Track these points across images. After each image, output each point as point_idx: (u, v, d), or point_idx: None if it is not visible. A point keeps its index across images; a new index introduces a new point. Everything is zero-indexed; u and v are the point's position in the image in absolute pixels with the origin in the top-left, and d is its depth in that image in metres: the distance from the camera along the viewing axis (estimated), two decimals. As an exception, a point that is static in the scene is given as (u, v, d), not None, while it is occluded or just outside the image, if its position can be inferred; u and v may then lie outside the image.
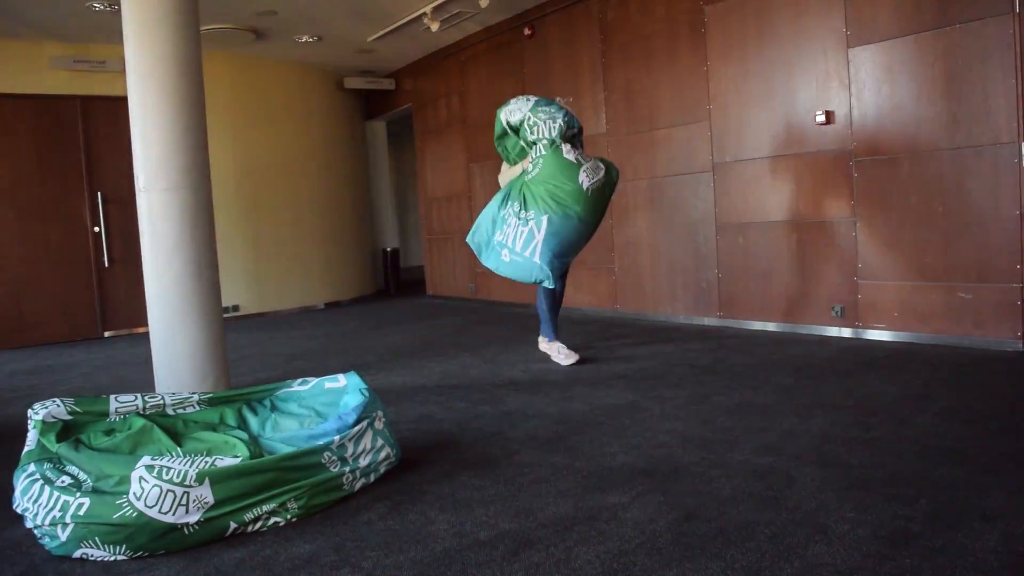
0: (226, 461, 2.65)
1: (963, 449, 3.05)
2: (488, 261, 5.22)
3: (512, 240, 5.00)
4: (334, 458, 2.90)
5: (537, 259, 4.89)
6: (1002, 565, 2.07)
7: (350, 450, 2.97)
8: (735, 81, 6.33)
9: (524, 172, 5.16)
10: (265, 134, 9.83)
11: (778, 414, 3.74)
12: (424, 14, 8.00)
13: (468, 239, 5.39)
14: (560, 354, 5.35)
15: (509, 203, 5.13)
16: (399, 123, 12.12)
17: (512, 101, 5.31)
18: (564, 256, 5.02)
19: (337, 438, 2.94)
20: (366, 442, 3.05)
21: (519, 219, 5.00)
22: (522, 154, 5.33)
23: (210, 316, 4.66)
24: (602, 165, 5.14)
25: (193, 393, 3.48)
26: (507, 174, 5.42)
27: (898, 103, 5.33)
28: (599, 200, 5.09)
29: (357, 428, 3.03)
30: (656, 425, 3.67)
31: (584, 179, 4.97)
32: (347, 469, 2.91)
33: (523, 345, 6.15)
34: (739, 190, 6.37)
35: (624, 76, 7.32)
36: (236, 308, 9.43)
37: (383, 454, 3.12)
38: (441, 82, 10.08)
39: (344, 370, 3.85)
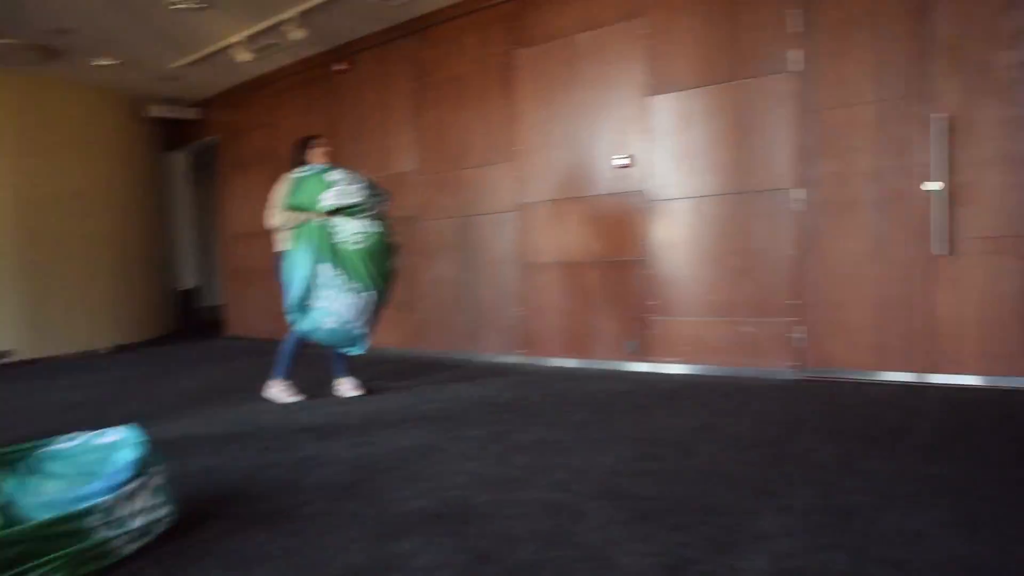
0: (-35, 532, 2.33)
1: (740, 474, 3.18)
2: (304, 325, 5.14)
3: (342, 309, 5.04)
4: (102, 522, 2.61)
5: (362, 327, 5.14)
6: (769, 587, 2.13)
7: (121, 512, 2.69)
8: (542, 124, 6.49)
9: (320, 229, 5.01)
10: (51, 162, 9.05)
11: (572, 450, 3.76)
12: (235, 43, 7.70)
13: (286, 310, 5.21)
14: (282, 392, 5.44)
15: (322, 265, 5.00)
16: (204, 155, 11.57)
17: (347, 172, 5.11)
18: (374, 327, 5.29)
19: (107, 499, 2.66)
20: (141, 501, 2.77)
21: (348, 288, 5.03)
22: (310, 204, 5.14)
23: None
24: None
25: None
26: (287, 216, 5.13)
27: (692, 148, 5.63)
28: (394, 278, 5.39)
29: (131, 487, 2.75)
30: (452, 466, 3.59)
31: (396, 260, 5.32)
32: (118, 532, 2.64)
33: (322, 387, 5.94)
34: (542, 230, 6.50)
35: (436, 115, 7.34)
36: (6, 354, 8.56)
37: (161, 513, 2.84)
38: (251, 114, 9.73)
39: (126, 421, 3.50)
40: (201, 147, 11.14)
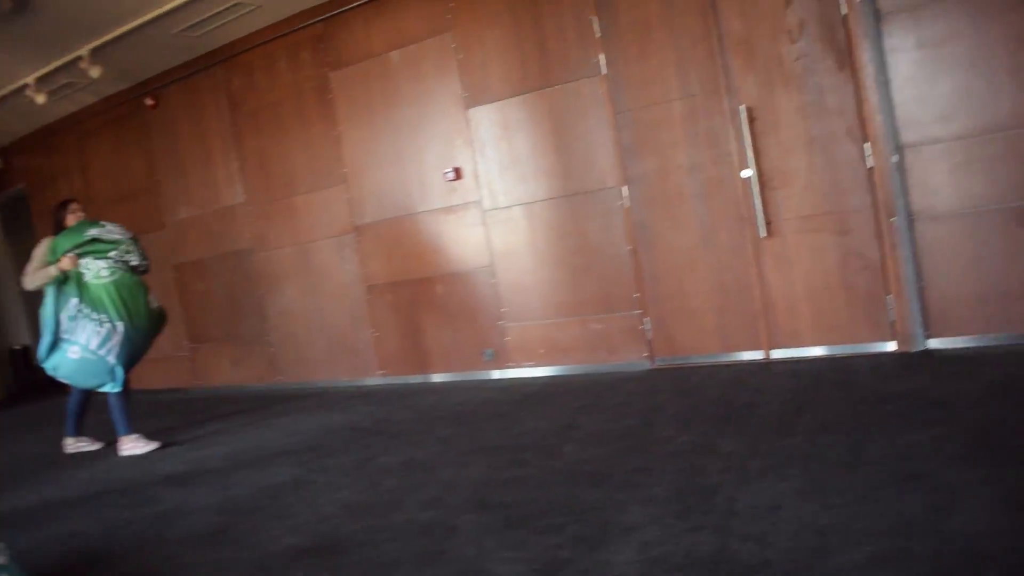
0: None
1: (603, 471, 3.31)
2: (49, 360, 5.19)
3: (86, 339, 5.06)
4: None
5: (112, 359, 5.10)
6: (641, 572, 2.24)
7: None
8: (366, 144, 6.47)
9: (73, 274, 5.15)
10: None
11: (439, 466, 3.80)
12: (27, 85, 7.24)
13: (40, 355, 5.27)
14: (139, 443, 5.30)
15: (68, 301, 5.12)
16: (13, 206, 10.78)
17: (108, 225, 5.43)
18: (131, 365, 5.31)
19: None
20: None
21: (91, 320, 5.07)
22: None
23: None
24: (157, 302, 5.56)
25: None
26: (41, 270, 5.21)
27: (517, 156, 5.76)
28: (157, 324, 5.52)
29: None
30: (321, 498, 3.56)
31: (152, 300, 5.44)
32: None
33: (178, 433, 5.72)
34: (382, 249, 6.49)
35: (257, 144, 7.18)
36: None
37: (8, 591, 2.69)
38: (58, 159, 9.13)
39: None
40: (10, 197, 10.39)
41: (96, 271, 5.16)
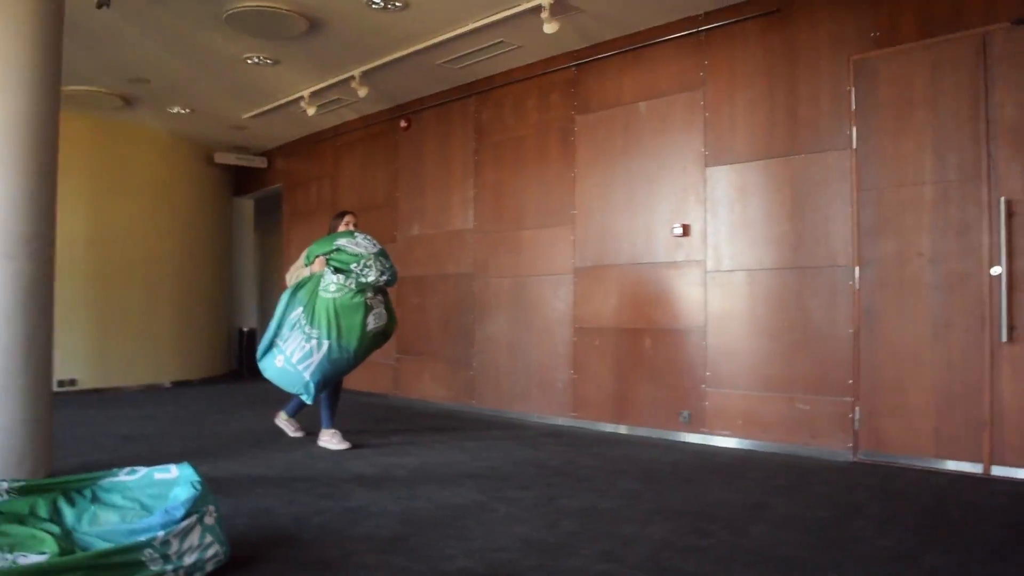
0: (30, 559, 2.42)
1: (792, 558, 3.14)
2: (262, 360, 5.44)
3: (291, 351, 5.25)
4: (156, 555, 2.70)
5: (307, 376, 5.23)
6: None
7: (175, 547, 2.78)
8: (600, 189, 6.57)
9: (316, 279, 5.43)
10: (123, 203, 9.48)
11: (621, 519, 3.75)
12: (302, 97, 8.00)
13: (259, 349, 5.53)
14: (331, 440, 5.62)
15: (295, 309, 5.35)
16: (268, 202, 11.92)
17: (360, 237, 5.61)
18: (329, 382, 5.42)
19: (161, 534, 2.74)
20: (193, 539, 2.86)
21: (303, 332, 5.25)
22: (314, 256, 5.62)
23: (35, 392, 4.32)
24: (386, 314, 5.58)
25: (3, 480, 3.20)
26: (298, 270, 5.62)
27: (749, 221, 5.65)
28: (373, 343, 5.51)
29: (185, 523, 2.84)
30: (500, 527, 3.61)
31: (371, 321, 5.40)
32: (169, 568, 2.72)
33: (373, 436, 6.02)
34: (597, 294, 6.54)
35: (495, 175, 7.49)
36: (73, 382, 8.85)
37: (211, 551, 2.93)
38: (314, 165, 10.04)
39: (182, 456, 3.63)
40: (266, 194, 11.51)
41: (326, 284, 5.36)
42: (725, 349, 5.75)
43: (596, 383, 6.55)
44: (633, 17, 6.11)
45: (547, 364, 6.93)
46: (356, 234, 5.62)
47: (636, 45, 6.34)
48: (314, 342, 5.22)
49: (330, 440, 5.60)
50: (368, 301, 5.41)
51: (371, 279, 5.41)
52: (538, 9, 5.73)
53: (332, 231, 5.81)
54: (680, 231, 5.98)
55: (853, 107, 5.18)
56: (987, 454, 4.61)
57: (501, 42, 6.60)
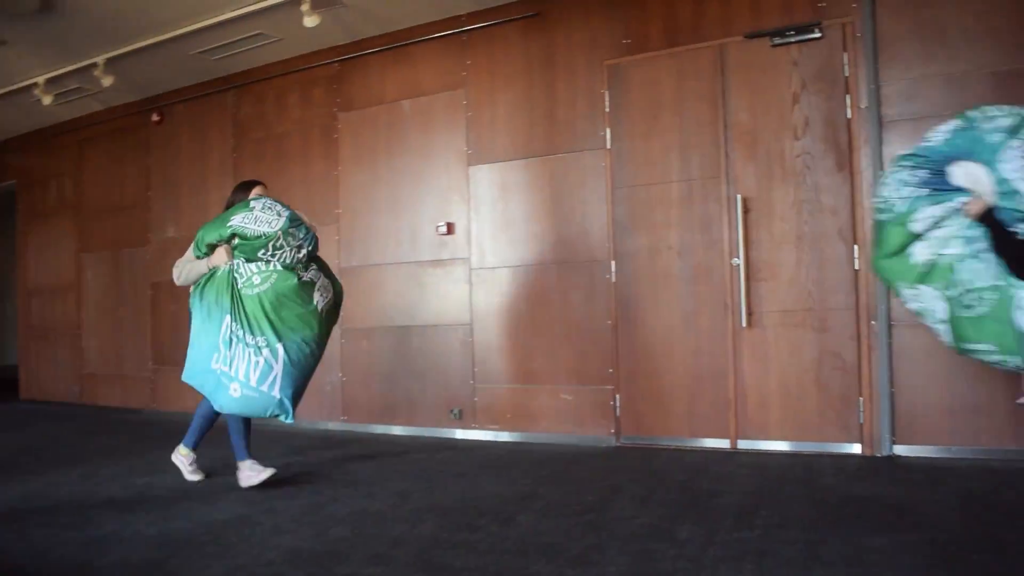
0: None
1: (557, 544, 3.21)
2: (216, 399, 4.34)
3: (244, 373, 4.20)
4: None
5: (276, 393, 4.21)
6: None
7: None
8: (364, 188, 6.46)
9: (225, 275, 4.35)
10: None
11: (391, 520, 3.69)
12: (36, 84, 7.23)
13: (185, 377, 4.52)
14: (254, 472, 4.50)
15: (219, 319, 4.29)
16: (1, 201, 10.71)
17: (258, 208, 4.29)
18: (303, 386, 4.45)
19: None
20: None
21: (247, 345, 4.21)
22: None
23: None
24: (328, 282, 4.60)
25: None
26: (193, 266, 4.49)
27: (511, 218, 5.77)
28: (329, 321, 4.59)
29: None
30: (265, 540, 3.43)
31: (318, 299, 4.42)
32: None
33: (130, 456, 5.56)
34: (365, 294, 6.43)
35: (255, 174, 7.09)
36: None
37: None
38: (53, 160, 9.10)
39: None
40: (-1, 192, 10.34)
41: (247, 279, 4.28)
42: (492, 345, 5.84)
43: (365, 385, 6.44)
44: (396, 14, 6.06)
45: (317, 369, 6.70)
46: (252, 203, 4.35)
47: (400, 43, 6.29)
48: (266, 352, 4.18)
49: (251, 474, 4.47)
50: (304, 277, 4.37)
51: (288, 263, 4.31)
52: (298, 1, 5.54)
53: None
54: (445, 229, 6.00)
55: (607, 109, 5.42)
56: (733, 430, 5.00)
57: (260, 34, 6.31)
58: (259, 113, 7.17)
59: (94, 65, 6.76)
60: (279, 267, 4.28)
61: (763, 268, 4.90)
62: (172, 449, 4.85)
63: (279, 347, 4.21)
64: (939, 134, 3.65)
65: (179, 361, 7.56)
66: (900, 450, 4.58)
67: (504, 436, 5.75)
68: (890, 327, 4.59)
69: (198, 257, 4.44)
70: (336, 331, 6.48)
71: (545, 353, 5.61)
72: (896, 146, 4.57)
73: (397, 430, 6.25)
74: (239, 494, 4.31)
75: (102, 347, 8.42)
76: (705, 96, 5.12)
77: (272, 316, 4.22)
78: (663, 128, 5.24)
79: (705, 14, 5.16)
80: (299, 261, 4.36)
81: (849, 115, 4.71)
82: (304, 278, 4.37)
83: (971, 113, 3.60)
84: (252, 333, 4.21)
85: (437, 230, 6.05)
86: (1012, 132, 3.41)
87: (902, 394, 4.59)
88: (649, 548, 3.11)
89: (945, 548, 2.95)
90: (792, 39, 4.86)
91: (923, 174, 3.62)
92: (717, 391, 5.03)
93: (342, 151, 6.60)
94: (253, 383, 4.18)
